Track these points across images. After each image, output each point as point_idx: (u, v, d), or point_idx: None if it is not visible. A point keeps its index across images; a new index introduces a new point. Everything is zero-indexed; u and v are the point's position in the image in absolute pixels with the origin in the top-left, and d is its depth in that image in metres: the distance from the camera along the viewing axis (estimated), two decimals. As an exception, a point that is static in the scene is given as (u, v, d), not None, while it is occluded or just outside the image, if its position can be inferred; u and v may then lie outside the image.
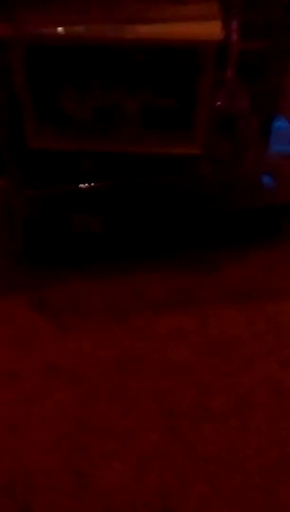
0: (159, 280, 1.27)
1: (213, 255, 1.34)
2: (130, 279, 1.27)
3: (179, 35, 1.04)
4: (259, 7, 1.10)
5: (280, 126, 1.31)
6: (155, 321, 1.17)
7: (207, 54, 1.07)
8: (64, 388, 1.02)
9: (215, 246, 1.35)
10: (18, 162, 1.23)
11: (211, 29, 1.05)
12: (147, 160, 1.21)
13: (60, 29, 1.02)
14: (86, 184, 1.19)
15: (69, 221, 1.23)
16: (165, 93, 1.14)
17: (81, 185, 1.18)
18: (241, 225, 1.37)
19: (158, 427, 0.95)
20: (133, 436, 0.94)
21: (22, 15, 1.03)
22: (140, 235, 1.31)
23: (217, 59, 1.09)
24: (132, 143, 1.21)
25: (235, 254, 1.34)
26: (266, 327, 1.14)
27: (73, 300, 1.22)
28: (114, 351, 1.10)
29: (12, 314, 1.18)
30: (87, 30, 1.03)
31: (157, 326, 1.15)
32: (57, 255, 1.29)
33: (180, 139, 1.21)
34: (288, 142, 1.31)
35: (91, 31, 1.03)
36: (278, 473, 0.88)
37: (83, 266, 1.29)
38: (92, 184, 1.19)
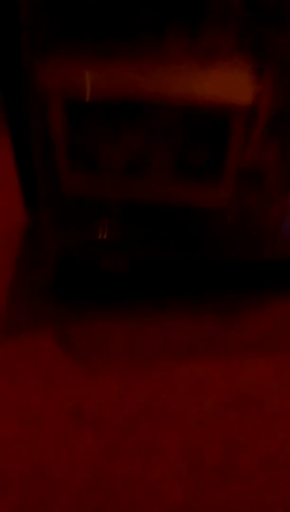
0: (184, 326, 1.28)
1: (235, 302, 1.35)
2: (156, 322, 1.28)
3: (208, 100, 1.07)
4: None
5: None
6: (181, 368, 1.17)
7: (237, 117, 1.11)
8: (90, 434, 1.01)
9: (238, 293, 1.36)
10: (53, 208, 1.25)
11: (241, 94, 1.08)
12: (175, 210, 1.24)
13: (96, 86, 1.05)
14: (116, 232, 1.22)
15: (98, 264, 1.25)
16: (196, 148, 1.18)
17: (111, 234, 1.21)
18: (263, 275, 1.38)
19: (185, 485, 0.94)
20: (159, 492, 0.93)
21: (61, 68, 1.06)
22: (166, 279, 1.33)
23: (248, 118, 1.12)
24: (163, 195, 1.24)
25: (258, 302, 1.35)
26: (293, 381, 1.15)
27: (99, 340, 1.22)
28: (141, 398, 1.09)
29: (38, 352, 1.18)
30: (123, 88, 1.06)
31: (183, 376, 1.15)
32: (84, 292, 1.30)
33: (208, 193, 1.24)
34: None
35: (126, 89, 1.06)
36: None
37: (110, 307, 1.30)
38: (121, 232, 1.22)
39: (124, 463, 0.97)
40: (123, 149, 1.16)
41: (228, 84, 1.07)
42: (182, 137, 1.14)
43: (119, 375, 1.14)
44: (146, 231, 1.23)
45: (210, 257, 1.31)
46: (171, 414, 1.06)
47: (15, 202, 1.51)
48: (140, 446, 1.00)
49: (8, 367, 1.15)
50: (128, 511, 0.90)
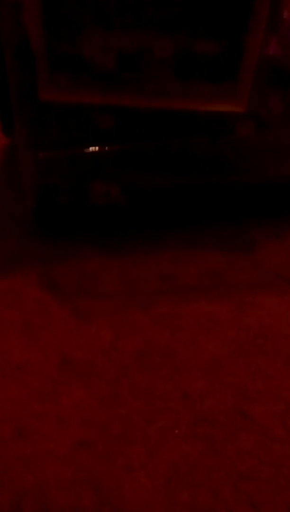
0: (187, 260, 1.13)
1: (249, 232, 1.19)
2: (155, 258, 1.12)
3: None
4: None
5: None
6: (183, 308, 1.03)
7: None
8: (81, 385, 0.89)
9: (252, 221, 1.20)
10: (29, 117, 1.05)
11: None
12: (179, 118, 1.04)
13: None
14: (107, 146, 1.02)
15: (87, 190, 1.07)
16: (206, 35, 0.95)
17: (101, 147, 1.02)
18: (281, 199, 1.21)
19: (190, 436, 0.83)
20: (161, 446, 0.82)
21: None
22: (168, 207, 1.15)
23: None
24: (163, 97, 1.03)
25: (274, 232, 1.19)
26: (314, 320, 1.01)
27: (90, 280, 1.07)
28: (137, 343, 0.96)
29: (21, 296, 1.04)
30: None
31: (186, 315, 1.02)
32: (72, 227, 1.14)
33: (221, 94, 1.03)
34: None
35: None
36: None
37: (102, 242, 1.14)
38: (114, 145, 1.02)
39: (120, 417, 0.85)
40: (113, 41, 0.94)
41: None
42: (190, 22, 0.92)
43: (112, 319, 1.00)
44: (144, 147, 1.03)
45: (221, 179, 1.13)
46: (172, 360, 0.93)
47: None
48: (138, 397, 0.88)
49: (-14, 314, 1.01)
50: (128, 470, 0.79)
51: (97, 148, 1.01)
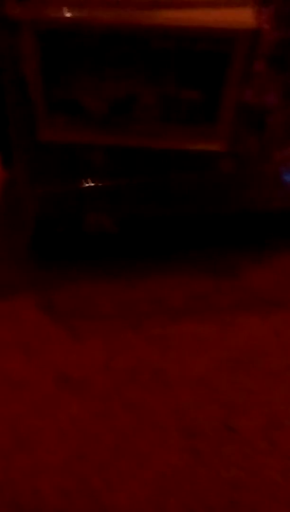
0: (176, 284, 1.21)
1: (233, 258, 1.28)
2: (145, 283, 1.21)
3: (210, 23, 0.96)
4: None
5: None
6: (172, 329, 1.10)
7: (240, 43, 1.00)
8: (77, 401, 0.96)
9: (235, 248, 1.29)
10: (28, 155, 1.15)
11: (245, 17, 0.97)
12: (166, 157, 1.15)
13: (75, 13, 0.95)
14: (99, 182, 1.12)
15: (81, 220, 1.16)
16: (188, 84, 1.07)
17: (94, 183, 1.12)
18: (263, 227, 1.31)
19: (178, 448, 0.89)
20: (151, 457, 0.88)
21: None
22: (157, 235, 1.24)
23: (248, 50, 1.02)
24: (150, 138, 1.14)
25: (256, 258, 1.28)
26: (293, 339, 1.09)
27: (84, 303, 1.15)
28: (130, 361, 1.03)
29: (19, 317, 1.11)
30: (105, 15, 0.96)
31: (175, 335, 1.09)
32: (68, 253, 1.22)
33: (203, 134, 1.14)
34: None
35: (110, 16, 0.96)
36: (310, 502, 0.83)
37: (95, 267, 1.23)
38: (106, 181, 1.13)
39: (112, 432, 0.91)
40: (105, 88, 1.05)
41: (228, 6, 0.96)
42: (173, 72, 1.03)
43: (106, 339, 1.08)
44: (133, 182, 1.13)
45: (205, 211, 1.22)
46: (162, 377, 1.00)
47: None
48: (129, 412, 0.94)
49: (-13, 335, 1.08)
50: (121, 479, 0.85)
51: (90, 183, 1.11)
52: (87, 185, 1.11)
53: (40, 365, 1.02)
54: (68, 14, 0.95)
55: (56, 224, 1.15)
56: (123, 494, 0.83)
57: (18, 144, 1.15)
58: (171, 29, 0.96)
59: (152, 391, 0.98)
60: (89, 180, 1.11)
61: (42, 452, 0.88)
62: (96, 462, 0.87)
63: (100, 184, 1.12)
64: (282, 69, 1.12)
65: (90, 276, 1.21)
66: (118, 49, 1.02)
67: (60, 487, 0.84)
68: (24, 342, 1.06)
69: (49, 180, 1.10)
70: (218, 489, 0.84)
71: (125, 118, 1.11)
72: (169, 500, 0.82)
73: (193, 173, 1.18)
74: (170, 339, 1.08)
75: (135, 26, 0.96)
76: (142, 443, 0.90)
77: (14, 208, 1.28)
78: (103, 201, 1.15)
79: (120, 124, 1.12)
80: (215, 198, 1.23)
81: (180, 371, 1.02)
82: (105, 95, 1.06)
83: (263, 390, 0.98)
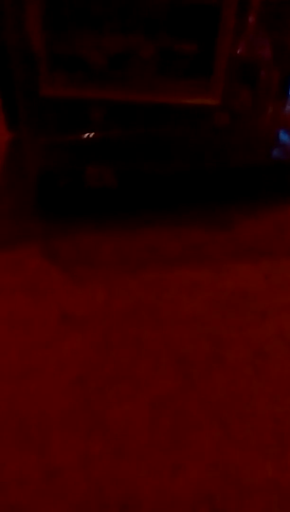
0: (173, 236, 1.28)
1: (227, 212, 1.34)
2: (143, 234, 1.28)
3: None
4: None
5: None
6: (168, 274, 1.18)
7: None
8: (78, 335, 1.04)
9: (229, 202, 1.35)
10: (31, 110, 1.22)
11: None
12: (163, 110, 1.20)
13: None
14: (99, 135, 1.18)
15: (83, 174, 1.23)
16: (184, 37, 1.12)
17: (94, 134, 1.18)
18: (256, 182, 1.36)
19: (171, 375, 0.97)
20: (146, 382, 0.96)
21: None
22: (155, 189, 1.31)
23: (239, 4, 1.06)
24: (148, 92, 1.20)
25: (249, 212, 1.34)
26: (282, 282, 1.15)
27: (85, 252, 1.23)
28: (127, 302, 1.11)
29: (24, 263, 1.19)
30: None
31: (170, 280, 1.17)
32: (71, 207, 1.29)
33: (198, 88, 1.20)
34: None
35: None
36: (290, 420, 0.91)
37: (96, 220, 1.30)
38: (105, 133, 1.19)
39: (112, 360, 1.00)
40: (105, 43, 1.11)
41: None
42: (170, 26, 1.09)
43: (106, 283, 1.15)
44: (131, 134, 1.20)
45: (201, 166, 1.29)
46: (158, 316, 1.08)
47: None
48: (127, 344, 1.03)
49: (-5, 279, 1.16)
50: (118, 400, 0.94)
51: (90, 135, 1.18)
52: (86, 137, 1.17)
53: (44, 305, 1.10)
54: None
55: (59, 177, 1.23)
56: (120, 414, 0.92)
57: (22, 101, 1.21)
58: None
59: (148, 327, 1.06)
60: (88, 133, 1.18)
61: (47, 378, 0.96)
62: (96, 386, 0.96)
63: (99, 136, 1.18)
64: (274, 24, 1.16)
65: (92, 228, 1.29)
66: (117, 3, 1.07)
67: (63, 408, 0.93)
68: (30, 286, 1.14)
69: (51, 133, 1.17)
70: (207, 409, 0.92)
71: (124, 73, 1.16)
72: (162, 418, 0.91)
73: (188, 127, 1.24)
74: (166, 283, 1.16)
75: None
76: (139, 370, 0.98)
77: (19, 168, 1.35)
78: (102, 153, 1.22)
79: (118, 79, 1.17)
80: (211, 153, 1.29)
81: (174, 311, 1.09)
82: (105, 49, 1.12)
83: (251, 327, 1.06)
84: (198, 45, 1.11)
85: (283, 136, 1.36)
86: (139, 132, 1.21)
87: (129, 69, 1.15)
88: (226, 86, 1.18)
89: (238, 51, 1.15)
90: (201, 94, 1.19)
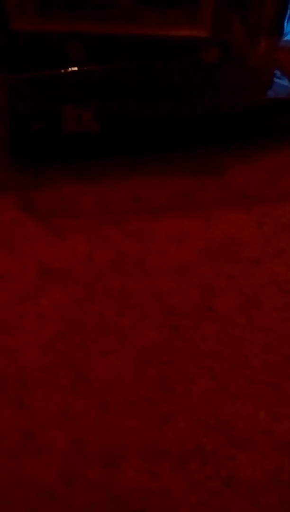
0: (159, 184, 1.22)
1: (218, 158, 1.28)
2: (127, 182, 1.21)
3: None
4: None
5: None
6: (155, 224, 1.12)
7: None
8: (59, 289, 0.99)
9: (220, 148, 1.28)
10: (0, 45, 1.13)
11: None
12: (147, 44, 1.12)
13: None
14: (76, 69, 1.10)
15: (60, 116, 1.14)
16: None
17: (70, 70, 1.09)
18: (249, 124, 1.29)
19: (159, 326, 0.93)
20: (132, 334, 0.92)
21: None
22: (139, 133, 1.24)
23: None
24: (130, 24, 1.11)
25: (242, 157, 1.28)
26: (275, 229, 1.10)
27: (65, 202, 1.16)
28: (111, 254, 1.06)
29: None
30: None
31: (157, 230, 1.11)
32: (47, 155, 1.22)
33: (185, 19, 1.11)
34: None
35: None
36: (286, 369, 0.87)
37: (76, 169, 1.23)
38: (83, 69, 1.10)
39: (95, 313, 0.95)
40: None
41: None
42: None
43: (88, 235, 1.10)
44: (112, 69, 1.11)
45: (189, 107, 1.20)
46: (143, 267, 1.03)
47: None
48: (111, 297, 0.98)
49: None
50: (102, 354, 0.90)
51: (66, 70, 1.09)
52: (62, 74, 1.09)
53: (22, 259, 1.05)
54: None
55: (32, 120, 1.14)
56: (104, 367, 0.88)
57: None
58: None
59: (133, 279, 1.01)
60: (65, 68, 1.09)
61: (24, 333, 0.92)
62: (78, 342, 0.91)
63: (76, 74, 1.10)
64: None
65: (72, 177, 1.22)
66: None
67: (42, 363, 0.88)
68: (5, 239, 1.08)
69: (23, 68, 1.08)
70: (196, 360, 0.88)
71: (102, 1, 1.07)
72: (149, 371, 0.87)
73: (175, 63, 1.15)
74: (152, 233, 1.10)
75: None
76: (124, 324, 0.93)
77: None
78: (81, 93, 1.13)
79: (97, 9, 1.08)
80: (200, 93, 1.20)
81: (161, 261, 1.04)
82: None
83: (243, 275, 1.01)
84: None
85: (276, 74, 1.28)
86: (121, 69, 1.13)
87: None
88: (216, 16, 1.09)
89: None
90: (188, 25, 1.10)
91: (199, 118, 1.24)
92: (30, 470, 0.74)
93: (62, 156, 1.22)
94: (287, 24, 1.19)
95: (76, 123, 1.16)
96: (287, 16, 1.18)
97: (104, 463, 0.77)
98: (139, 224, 1.12)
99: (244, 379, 0.86)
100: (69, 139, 1.19)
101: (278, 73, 1.28)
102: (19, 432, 0.79)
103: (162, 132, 1.25)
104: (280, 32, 1.21)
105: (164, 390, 0.85)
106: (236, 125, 1.27)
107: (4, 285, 1.00)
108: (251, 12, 1.14)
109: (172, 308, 0.96)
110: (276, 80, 1.27)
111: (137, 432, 0.80)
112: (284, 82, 1.27)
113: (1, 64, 1.10)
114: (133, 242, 1.08)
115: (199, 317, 0.94)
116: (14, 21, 1.09)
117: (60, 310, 0.95)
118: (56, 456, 0.76)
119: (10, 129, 1.16)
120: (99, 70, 1.11)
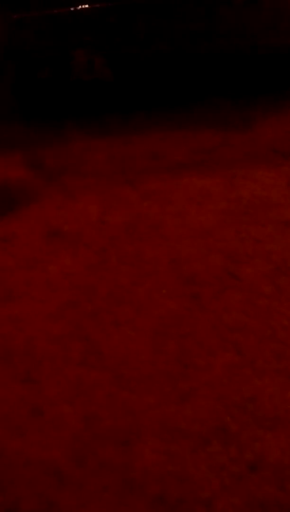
0: (179, 139, 1.13)
1: (244, 109, 1.18)
2: (144, 138, 1.13)
3: None
4: None
5: None
6: (173, 183, 1.05)
7: None
8: (69, 254, 0.93)
9: (247, 98, 1.18)
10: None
11: None
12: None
13: None
14: (87, 6, 0.99)
15: (69, 61, 1.05)
16: None
17: (81, 8, 0.99)
18: (283, 69, 1.18)
19: (177, 295, 0.87)
20: (148, 304, 0.86)
21: None
22: (157, 81, 1.14)
23: None
24: None
25: (271, 108, 1.18)
26: (308, 189, 1.02)
27: (75, 159, 1.09)
28: (125, 216, 0.99)
29: (4, 176, 1.06)
30: None
31: (176, 189, 1.04)
32: (56, 107, 1.14)
33: None
34: None
35: None
36: (317, 343, 0.81)
37: (87, 124, 1.15)
38: (95, 6, 1.00)
39: (109, 281, 0.90)
40: None
41: None
42: None
43: (100, 195, 1.03)
44: (129, 9, 1.00)
45: (214, 49, 1.09)
46: (160, 231, 0.97)
47: None
48: (126, 263, 0.92)
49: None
50: (116, 325, 0.84)
51: (76, 8, 0.98)
52: (72, 10, 0.98)
53: (28, 221, 0.99)
54: None
55: (40, 65, 1.05)
56: (118, 339, 0.83)
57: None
58: None
59: (149, 244, 0.95)
60: (72, 5, 0.99)
61: (31, 301, 0.87)
62: (90, 311, 0.86)
63: (87, 9, 0.99)
64: None
65: (83, 133, 1.14)
66: None
67: (51, 334, 0.84)
68: (10, 199, 1.02)
69: (28, 7, 0.98)
70: (219, 332, 0.82)
71: None
72: (167, 343, 0.82)
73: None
74: (170, 193, 1.03)
75: None
76: (139, 291, 0.88)
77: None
78: (94, 35, 1.03)
79: None
80: (227, 33, 1.09)
81: (180, 224, 0.98)
82: None
83: (271, 239, 0.94)
84: None
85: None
86: (139, 4, 1.01)
87: None
88: None
89: None
90: None
91: (225, 61, 1.13)
92: (38, 448, 0.70)
93: (72, 108, 1.14)
94: None
95: (88, 70, 1.06)
96: None
97: (118, 442, 0.73)
98: (156, 184, 1.05)
99: (272, 354, 0.80)
100: (79, 89, 1.11)
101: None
102: (26, 408, 0.75)
103: (183, 79, 1.15)
104: None
105: (183, 365, 0.80)
106: (267, 69, 1.17)
107: (10, 249, 0.94)
108: None
109: (192, 276, 0.89)
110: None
111: (154, 409, 0.75)
112: None
113: (3, 3, 1.00)
114: (149, 203, 1.02)
115: (222, 286, 0.88)
116: None
117: (70, 277, 0.90)
118: (66, 434, 0.72)
119: (15, 77, 1.08)
120: (113, 8, 1.00)
